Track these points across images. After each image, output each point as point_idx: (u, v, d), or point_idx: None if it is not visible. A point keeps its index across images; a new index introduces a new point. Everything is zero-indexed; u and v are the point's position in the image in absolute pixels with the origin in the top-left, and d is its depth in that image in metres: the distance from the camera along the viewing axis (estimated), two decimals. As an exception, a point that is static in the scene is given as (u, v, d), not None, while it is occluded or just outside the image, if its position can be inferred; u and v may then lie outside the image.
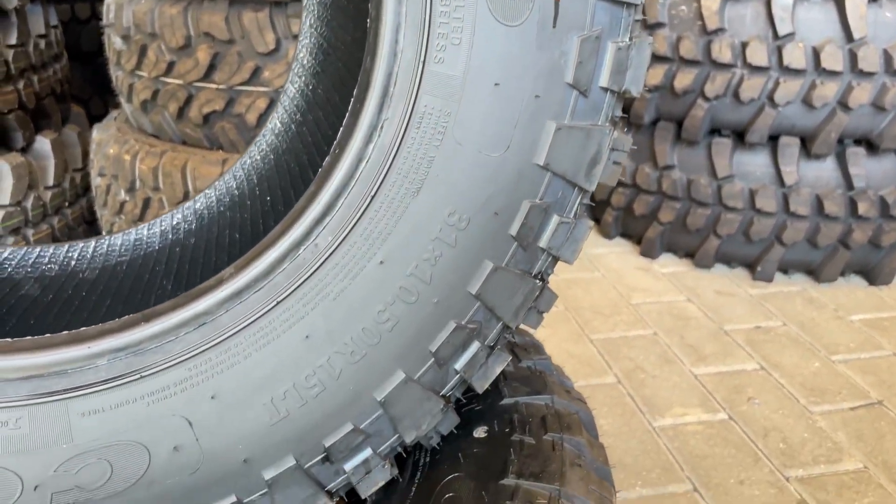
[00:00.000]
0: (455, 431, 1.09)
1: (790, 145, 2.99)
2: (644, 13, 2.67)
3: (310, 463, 0.94)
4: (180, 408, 0.86)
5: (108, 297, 1.19)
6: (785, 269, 3.19)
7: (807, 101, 2.88)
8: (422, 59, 0.88)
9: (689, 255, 3.32)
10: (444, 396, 1.01)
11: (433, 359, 0.98)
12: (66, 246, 1.16)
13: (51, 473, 0.81)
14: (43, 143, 2.86)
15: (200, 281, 0.92)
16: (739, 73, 2.91)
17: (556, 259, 1.02)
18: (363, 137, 0.90)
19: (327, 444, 0.94)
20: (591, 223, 1.02)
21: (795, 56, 2.82)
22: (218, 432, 0.88)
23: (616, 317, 2.73)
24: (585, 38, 0.90)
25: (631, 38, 0.95)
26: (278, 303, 0.90)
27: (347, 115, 0.92)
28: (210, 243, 1.23)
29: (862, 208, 2.95)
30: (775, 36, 2.84)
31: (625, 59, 0.95)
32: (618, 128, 0.99)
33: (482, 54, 0.88)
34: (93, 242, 1.18)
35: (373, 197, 0.91)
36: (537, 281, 1.01)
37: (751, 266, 3.20)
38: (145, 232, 1.22)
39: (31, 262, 1.13)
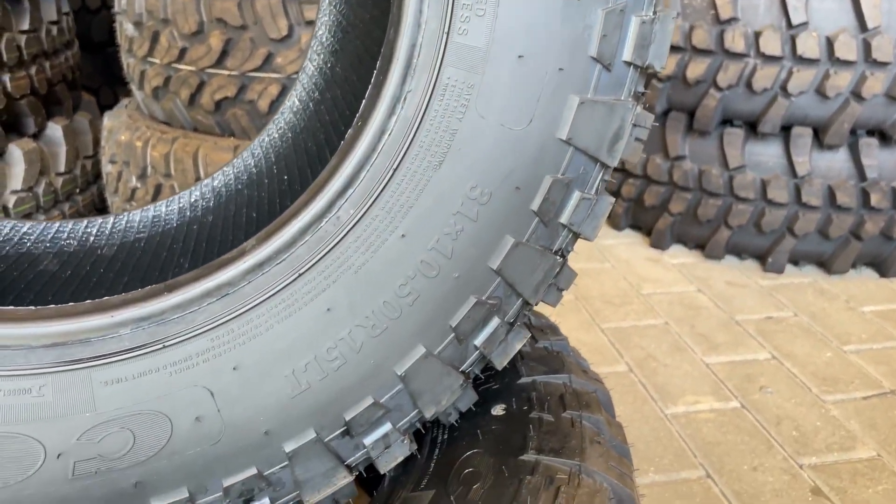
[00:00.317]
0: (473, 409, 1.09)
1: (803, 135, 2.97)
2: None
3: (330, 436, 0.94)
4: (202, 378, 0.86)
5: (125, 274, 1.19)
6: (796, 261, 3.17)
7: (820, 91, 2.86)
8: (446, 30, 0.88)
9: (700, 246, 3.31)
10: (463, 372, 1.01)
11: (453, 334, 0.98)
12: (85, 222, 1.16)
13: (73, 442, 0.81)
14: (55, 130, 2.87)
15: (217, 259, 0.92)
16: (752, 63, 2.90)
17: (576, 236, 1.01)
18: (386, 109, 0.90)
19: (348, 418, 0.94)
20: (612, 200, 1.01)
21: (809, 45, 2.81)
22: (239, 403, 0.88)
23: (626, 306, 2.73)
24: (610, 11, 0.90)
25: (655, 12, 0.94)
26: (300, 275, 0.90)
27: (370, 86, 0.92)
28: (227, 221, 1.23)
29: (874, 199, 2.93)
30: (789, 25, 2.83)
31: (648, 33, 0.94)
32: (641, 103, 0.98)
33: (506, 26, 0.88)
34: (111, 218, 1.18)
35: (395, 170, 0.91)
36: (558, 257, 1.01)
37: (761, 257, 3.19)
38: (163, 209, 1.22)
39: (50, 236, 1.13)
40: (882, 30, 2.77)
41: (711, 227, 3.20)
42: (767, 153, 3.04)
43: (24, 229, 1.11)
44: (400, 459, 1.00)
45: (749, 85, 2.92)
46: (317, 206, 0.90)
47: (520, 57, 0.89)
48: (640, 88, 1.00)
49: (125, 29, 2.84)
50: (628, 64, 0.95)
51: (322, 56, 1.29)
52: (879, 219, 2.98)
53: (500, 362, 1.03)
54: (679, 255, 3.27)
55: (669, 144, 3.20)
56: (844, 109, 2.87)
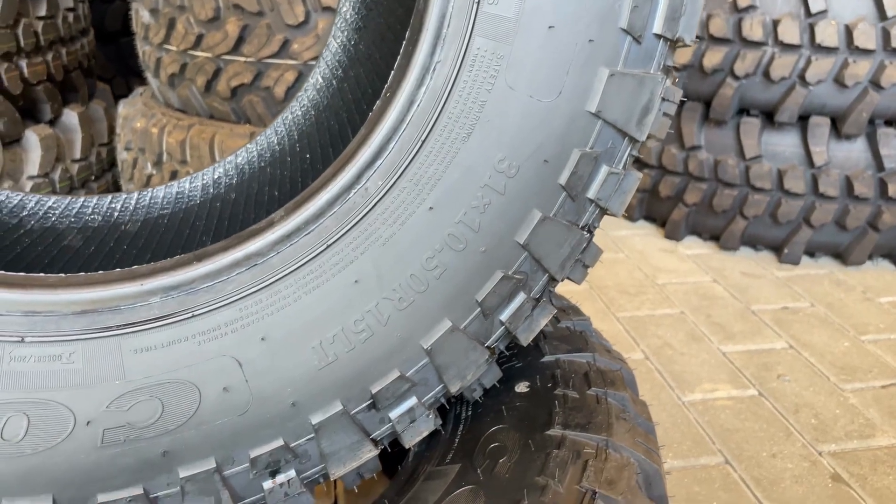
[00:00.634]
0: (496, 386, 1.09)
1: (820, 125, 2.95)
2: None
3: (356, 409, 0.94)
4: (231, 348, 0.86)
5: (148, 251, 1.19)
6: (812, 253, 3.15)
7: (838, 80, 2.84)
8: (476, -1, 0.87)
9: (715, 237, 3.30)
10: (489, 348, 1.00)
11: (479, 308, 0.97)
12: (110, 197, 1.16)
13: (103, 409, 0.81)
14: (70, 117, 2.88)
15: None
16: (770, 52, 2.88)
17: (603, 211, 1.00)
18: (415, 80, 0.89)
19: (374, 391, 0.94)
20: (640, 175, 1.01)
21: (828, 34, 2.78)
22: (267, 374, 0.88)
23: (642, 296, 2.72)
24: (641, -19, 0.89)
25: (686, -16, 0.94)
26: (328, 246, 0.89)
27: (399, 57, 0.91)
28: (249, 199, 1.23)
29: (892, 190, 2.91)
30: (807, 13, 2.80)
31: (679, 6, 0.93)
32: (670, 77, 0.97)
33: (537, -4, 0.87)
34: (136, 194, 1.18)
35: (423, 141, 0.90)
36: (585, 233, 1.00)
37: (777, 249, 3.17)
38: (187, 185, 1.21)
39: (74, 211, 1.13)
40: (902, 18, 2.74)
41: (727, 217, 3.18)
42: (784, 143, 3.02)
43: (50, 203, 1.11)
44: (425, 434, 0.99)
45: (767, 74, 2.90)
46: (345, 177, 0.90)
47: (550, 28, 0.89)
48: (670, 62, 0.99)
49: (141, 16, 2.84)
50: (658, 37, 0.94)
51: (346, 33, 1.29)
52: (897, 210, 2.96)
53: (526, 338, 1.03)
54: (694, 246, 3.25)
55: (685, 134, 3.18)
56: (863, 99, 2.84)
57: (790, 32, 2.82)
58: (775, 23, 2.84)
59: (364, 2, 1.27)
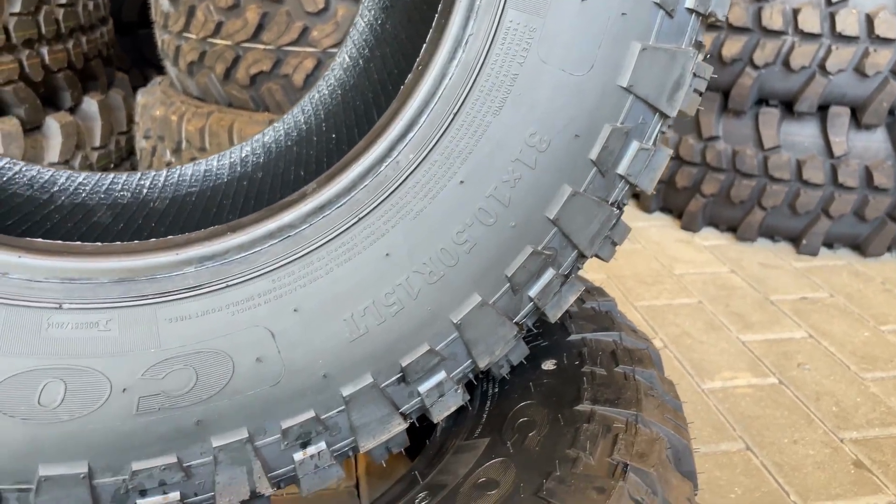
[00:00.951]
0: (523, 363, 1.09)
1: (840, 115, 2.93)
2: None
3: (386, 382, 0.94)
4: (264, 319, 0.87)
5: (175, 229, 1.20)
6: (830, 244, 3.13)
7: (859, 70, 2.82)
8: (509, -29, 0.87)
9: (732, 229, 3.28)
10: (517, 323, 1.01)
11: (508, 284, 0.97)
12: (139, 174, 1.17)
13: (138, 377, 0.82)
14: (90, 105, 2.90)
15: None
16: (790, 41, 2.86)
17: (632, 188, 1.00)
18: (447, 53, 0.89)
19: (404, 364, 0.94)
20: (670, 152, 1.01)
21: (849, 23, 2.76)
22: (299, 345, 0.88)
23: (659, 285, 2.71)
24: (675, -46, 0.89)
25: (718, -42, 0.93)
26: (360, 219, 0.90)
27: (431, 30, 0.92)
28: (276, 179, 1.23)
29: (912, 181, 2.89)
30: (828, 2, 2.78)
31: (711, -20, 0.93)
32: (702, 52, 0.97)
33: (570, -32, 0.87)
34: (164, 171, 1.19)
35: (455, 114, 0.90)
36: (614, 209, 1.00)
37: (795, 240, 3.15)
38: (215, 163, 1.22)
39: (104, 188, 1.14)
40: (924, 7, 2.72)
41: (745, 208, 3.16)
42: (803, 133, 3.00)
43: (80, 179, 1.12)
44: (453, 409, 1.00)
45: (786, 63, 2.88)
46: (377, 150, 0.90)
47: (583, 0, 0.89)
48: (701, 37, 0.99)
49: (160, 4, 2.85)
50: (690, 11, 0.94)
51: (373, 12, 1.29)
52: (917, 201, 2.94)
53: (554, 314, 1.03)
54: (711, 238, 3.24)
55: (703, 125, 3.17)
56: (883, 88, 2.82)
57: (810, 21, 2.80)
58: (795, 11, 2.82)
59: (391, -19, 1.28)
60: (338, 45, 2.47)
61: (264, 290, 0.87)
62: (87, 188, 1.12)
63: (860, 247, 3.09)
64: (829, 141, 2.95)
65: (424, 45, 0.91)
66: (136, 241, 0.84)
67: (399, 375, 0.95)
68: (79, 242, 0.82)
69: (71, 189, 1.11)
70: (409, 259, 0.92)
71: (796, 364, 2.14)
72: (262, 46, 2.55)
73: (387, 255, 0.91)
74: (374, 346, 0.93)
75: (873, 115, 2.87)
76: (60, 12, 2.64)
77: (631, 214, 3.50)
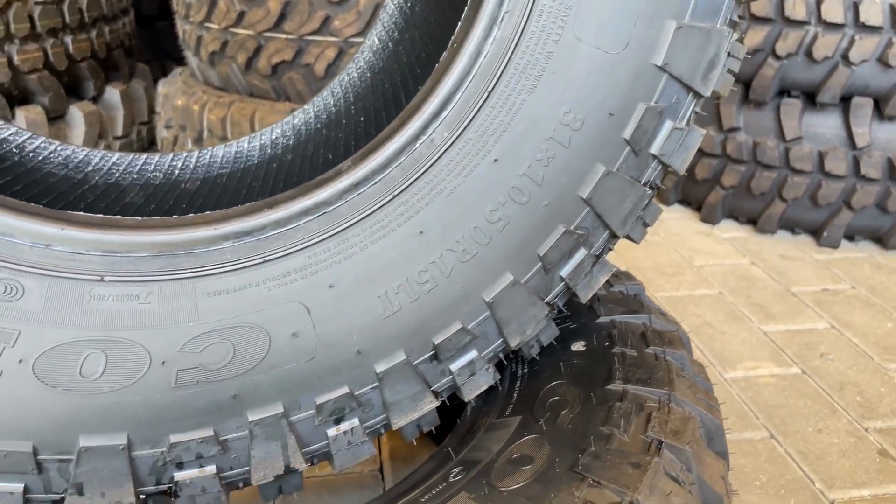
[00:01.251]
0: (552, 344, 1.09)
1: (863, 106, 2.90)
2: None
3: (419, 360, 0.95)
4: (300, 295, 0.87)
5: (206, 211, 1.21)
6: (851, 236, 3.11)
7: (882, 60, 2.79)
8: (546, -52, 0.87)
9: (751, 221, 3.26)
10: (548, 303, 1.01)
11: (540, 263, 0.98)
12: (171, 155, 1.18)
13: (177, 350, 0.83)
14: (112, 94, 2.92)
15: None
16: (813, 31, 2.83)
17: (665, 168, 1.00)
18: (483, 30, 0.90)
19: (436, 342, 0.94)
20: (703, 132, 1.00)
21: (872, 13, 2.74)
22: (334, 321, 0.89)
23: (679, 276, 2.70)
24: (711, -69, 0.89)
25: (754, -63, 0.93)
26: (394, 196, 0.90)
27: (466, 8, 0.92)
28: (305, 161, 1.24)
29: (936, 173, 2.86)
30: (852, -8, 2.76)
31: (747, -42, 0.93)
32: (737, 31, 0.97)
33: (606, -54, 0.87)
34: (196, 153, 1.20)
35: (489, 92, 0.91)
36: (647, 189, 1.00)
37: (816, 232, 3.13)
38: (245, 145, 1.23)
39: (137, 168, 1.15)
40: (950, -3, 2.69)
41: (765, 200, 3.14)
42: (826, 124, 2.97)
43: (114, 160, 1.13)
44: (483, 388, 1.00)
45: (809, 53, 2.86)
46: (411, 128, 0.91)
47: (619, -22, 0.89)
48: (736, 16, 0.99)
49: (182, -6, 2.86)
50: (726, -11, 0.93)
51: (403, -6, 1.29)
52: (941, 193, 2.91)
53: (585, 295, 1.03)
54: (730, 230, 3.22)
55: (723, 116, 3.15)
56: (908, 79, 2.79)
57: (834, 11, 2.78)
58: (818, 1, 2.80)
59: (421, -37, 1.28)
60: (359, 34, 2.47)
61: (300, 265, 0.87)
62: (120, 168, 1.13)
63: (882, 239, 3.06)
64: (851, 132, 2.92)
65: (459, 23, 0.92)
66: (174, 216, 0.85)
67: (431, 353, 0.96)
68: (119, 216, 0.83)
69: (105, 169, 1.12)
70: (443, 237, 0.92)
71: (819, 354, 2.13)
72: (283, 36, 2.56)
73: (420, 232, 0.91)
74: (408, 323, 0.93)
75: (897, 106, 2.84)
76: (84, 2, 2.66)
77: (649, 206, 3.48)
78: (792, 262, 2.88)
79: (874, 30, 2.76)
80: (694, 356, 2.00)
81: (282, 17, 2.53)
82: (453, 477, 0.86)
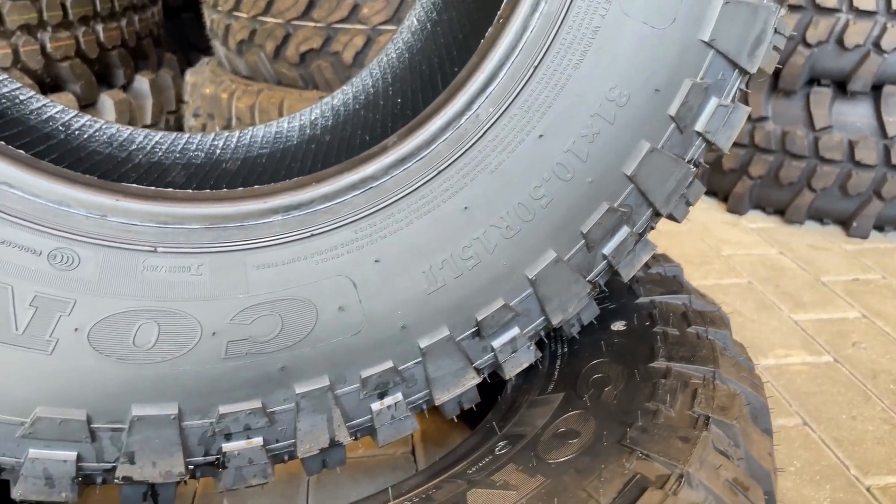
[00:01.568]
0: (593, 324, 1.09)
1: (894, 95, 2.87)
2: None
3: (462, 336, 0.95)
4: (346, 269, 0.88)
5: (245, 191, 1.22)
6: (881, 227, 3.07)
7: (916, 48, 2.75)
8: (595, -78, 0.87)
9: (779, 211, 3.23)
10: (590, 281, 1.01)
11: (583, 241, 0.97)
12: (213, 134, 1.19)
13: (227, 322, 0.84)
14: (142, 83, 2.94)
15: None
16: (844, 18, 2.80)
17: (709, 145, 1.00)
18: (529, 5, 0.89)
19: (479, 318, 0.95)
20: (748, 109, 1.00)
21: (906, 0, 2.70)
22: (380, 296, 0.90)
23: (707, 266, 2.68)
24: None
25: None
26: (439, 172, 0.90)
27: (514, -17, 0.91)
28: (343, 143, 1.24)
29: (969, 162, 2.82)
30: (885, -22, 2.72)
31: (796, -67, 0.92)
32: (783, 7, 0.96)
33: (655, -81, 0.87)
34: (237, 133, 1.21)
35: (535, 67, 0.91)
36: (691, 167, 1.00)
37: (845, 222, 3.10)
38: (285, 125, 1.24)
39: (179, 147, 1.16)
40: None
41: (794, 190, 3.11)
42: (856, 113, 2.94)
43: (157, 138, 1.14)
44: (525, 366, 1.00)
45: (840, 41, 2.83)
46: (457, 103, 0.91)
47: (667, -48, 0.88)
48: (784, -8, 0.98)
49: (210, -16, 2.88)
50: (774, -36, 0.93)
51: (442, -26, 1.29)
52: (974, 183, 2.86)
53: (627, 273, 1.03)
54: (757, 220, 3.20)
55: (751, 105, 3.12)
56: (941, 67, 2.75)
57: (866, -2, 2.74)
58: (851, -12, 2.76)
59: (460, -57, 1.28)
60: (388, 21, 2.48)
61: (347, 240, 0.88)
62: (163, 147, 1.15)
63: (913, 230, 3.03)
64: (882, 121, 2.89)
65: (506, -1, 0.91)
66: (224, 190, 0.86)
67: (474, 329, 0.96)
68: (170, 189, 0.84)
69: (148, 148, 1.13)
70: (487, 213, 0.93)
71: (851, 343, 2.11)
72: (312, 24, 2.57)
73: (465, 208, 0.92)
74: (451, 299, 0.93)
75: (930, 94, 2.80)
76: (114, -9, 2.69)
77: (675, 197, 3.46)
78: (821, 252, 2.85)
79: (907, 17, 2.72)
80: (724, 344, 1.98)
81: (310, 6, 2.54)
82: (499, 450, 0.86)
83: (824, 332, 2.18)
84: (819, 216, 3.15)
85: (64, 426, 0.80)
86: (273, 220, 0.85)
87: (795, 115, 3.05)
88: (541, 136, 0.92)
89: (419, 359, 0.94)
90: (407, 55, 1.30)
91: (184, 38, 4.34)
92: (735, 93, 0.98)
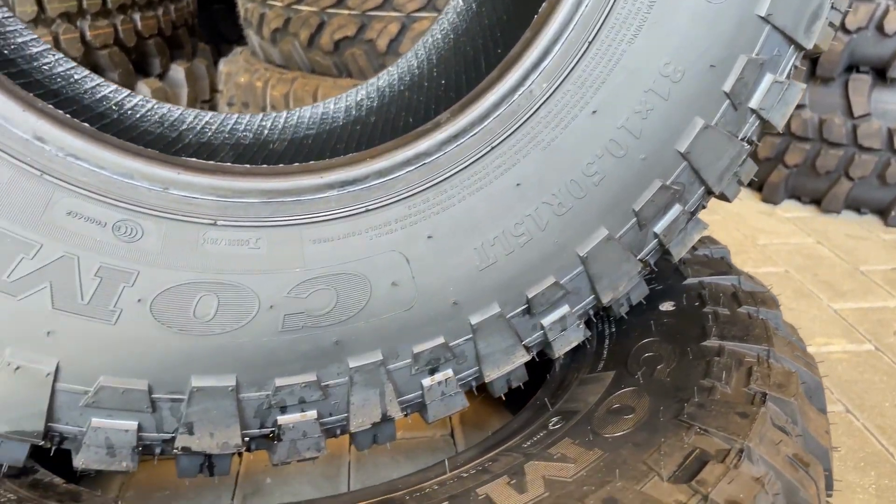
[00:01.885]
0: (641, 304, 1.09)
1: (937, 82, 2.82)
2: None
3: (512, 313, 0.95)
4: (399, 244, 0.88)
5: (292, 172, 1.22)
6: (921, 216, 3.02)
7: (959, 34, 2.70)
8: None
9: (815, 201, 3.19)
10: (641, 260, 1.00)
11: (635, 219, 0.97)
12: (261, 115, 1.20)
13: (284, 295, 0.84)
14: (177, 72, 2.97)
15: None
16: (885, 4, 2.75)
17: (763, 123, 0.98)
18: (585, -20, 0.89)
19: (529, 296, 0.95)
20: (803, 86, 0.98)
21: (950, -16, 2.64)
22: (432, 272, 0.90)
23: (743, 255, 2.65)
24: None
25: None
26: (492, 148, 0.90)
27: (568, -42, 0.91)
28: (387, 124, 1.25)
29: None
30: (928, -38, 2.67)
31: None
32: (841, -19, 0.94)
33: None
34: (284, 113, 1.22)
35: (589, 42, 0.90)
36: (745, 144, 0.98)
37: (883, 212, 3.05)
38: (332, 106, 1.24)
39: (228, 128, 1.17)
40: None
41: (831, 179, 3.07)
42: (896, 101, 2.89)
43: (207, 119, 1.15)
44: (574, 344, 1.00)
45: (880, 27, 2.78)
46: (510, 79, 0.91)
47: (724, -75, 0.87)
48: (841, -34, 0.96)
49: (245, -27, 2.90)
50: (832, -63, 0.91)
51: (488, -46, 1.29)
52: None
53: (678, 252, 1.02)
54: (792, 209, 3.16)
55: (788, 93, 3.08)
56: None
57: (908, -17, 2.69)
58: (892, -27, 2.71)
59: (507, -77, 1.27)
60: (422, 8, 2.48)
61: (401, 215, 0.88)
62: (212, 128, 1.16)
63: (954, 219, 2.97)
64: (924, 108, 2.83)
65: (561, -26, 0.91)
66: (280, 165, 0.86)
67: (524, 307, 0.96)
68: (228, 164, 0.85)
69: (198, 128, 1.14)
70: (539, 190, 0.92)
71: (892, 332, 2.08)
72: (346, 12, 2.57)
73: (517, 185, 0.92)
74: (502, 275, 0.93)
75: (973, 80, 2.75)
76: (151, -20, 2.71)
77: (708, 186, 3.42)
78: (859, 241, 2.81)
79: (951, 1, 2.67)
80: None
81: (345, -7, 2.54)
82: (553, 425, 0.86)
83: (865, 320, 2.15)
84: (856, 205, 3.10)
85: (126, 396, 0.81)
86: (329, 195, 0.85)
87: (833, 103, 3.00)
88: (594, 111, 0.91)
89: (470, 335, 0.94)
90: (452, 36, 1.30)
91: (215, 29, 4.37)
92: (790, 69, 0.97)
